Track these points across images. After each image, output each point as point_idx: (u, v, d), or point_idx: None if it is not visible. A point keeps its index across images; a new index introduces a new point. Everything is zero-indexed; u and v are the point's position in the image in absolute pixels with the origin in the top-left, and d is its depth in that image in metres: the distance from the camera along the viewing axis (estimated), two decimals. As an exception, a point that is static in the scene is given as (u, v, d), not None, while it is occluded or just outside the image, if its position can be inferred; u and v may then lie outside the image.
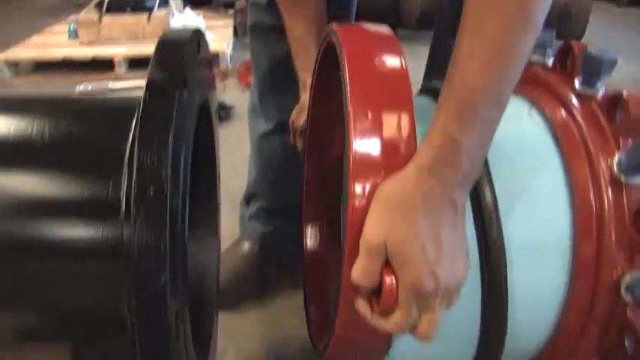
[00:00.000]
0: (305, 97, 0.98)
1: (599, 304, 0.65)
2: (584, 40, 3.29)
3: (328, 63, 0.81)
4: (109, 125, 0.74)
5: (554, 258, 0.66)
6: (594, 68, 0.68)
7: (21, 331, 0.73)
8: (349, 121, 0.59)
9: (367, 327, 0.58)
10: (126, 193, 0.65)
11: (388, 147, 0.59)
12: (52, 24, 3.19)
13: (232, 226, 1.34)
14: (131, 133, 0.69)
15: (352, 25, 0.73)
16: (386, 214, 0.56)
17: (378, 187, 0.57)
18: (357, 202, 0.57)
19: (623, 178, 0.64)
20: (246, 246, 1.27)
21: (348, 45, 0.65)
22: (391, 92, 0.62)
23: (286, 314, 1.19)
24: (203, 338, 0.87)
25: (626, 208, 0.64)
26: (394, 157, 0.58)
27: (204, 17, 3.16)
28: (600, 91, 0.69)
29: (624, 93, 0.65)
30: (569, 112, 0.70)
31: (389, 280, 0.56)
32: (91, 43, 2.69)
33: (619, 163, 0.64)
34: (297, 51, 0.97)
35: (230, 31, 3.16)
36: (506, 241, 0.63)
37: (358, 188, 0.57)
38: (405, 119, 0.59)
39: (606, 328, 0.66)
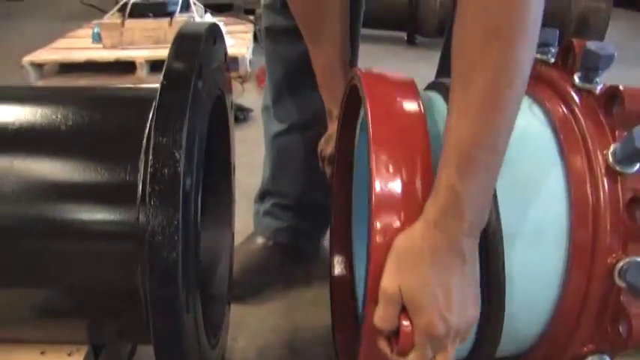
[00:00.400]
0: (332, 127, 1.03)
1: (595, 289, 0.67)
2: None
3: (353, 103, 0.88)
4: (128, 113, 0.78)
5: (551, 244, 0.68)
6: (592, 63, 0.70)
7: (44, 306, 0.77)
8: (371, 176, 0.64)
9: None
10: (142, 177, 0.70)
11: (406, 201, 0.64)
12: (76, 28, 3.27)
13: (247, 222, 1.38)
14: (149, 121, 0.73)
15: (375, 74, 0.78)
16: (398, 267, 0.62)
17: (393, 242, 0.62)
18: (376, 257, 0.63)
19: (617, 168, 0.66)
20: (259, 240, 1.31)
21: (370, 94, 0.71)
22: (411, 144, 0.67)
23: (297, 306, 1.22)
24: (214, 325, 0.90)
25: (620, 196, 0.66)
26: (411, 210, 0.63)
27: (224, 23, 3.21)
28: (599, 86, 0.72)
29: (620, 87, 0.68)
30: (569, 107, 0.72)
31: (405, 325, 0.62)
32: (113, 46, 2.75)
33: (614, 153, 0.66)
34: (323, 82, 0.99)
35: (250, 36, 3.21)
36: (505, 227, 0.66)
37: (379, 244, 0.63)
38: (423, 176, 0.64)
39: (602, 314, 0.68)
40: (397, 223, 0.63)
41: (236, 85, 2.48)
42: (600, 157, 0.67)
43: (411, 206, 0.63)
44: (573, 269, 0.68)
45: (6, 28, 4.23)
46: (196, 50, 0.71)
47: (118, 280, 0.73)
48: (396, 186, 0.64)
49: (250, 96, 2.58)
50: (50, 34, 3.17)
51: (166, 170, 0.61)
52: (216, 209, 1.05)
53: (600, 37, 3.23)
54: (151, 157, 0.62)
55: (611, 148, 0.67)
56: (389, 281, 0.62)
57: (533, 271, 0.69)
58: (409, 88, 0.74)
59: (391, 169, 0.64)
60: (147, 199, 0.61)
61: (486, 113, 0.59)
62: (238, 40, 3.00)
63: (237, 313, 1.17)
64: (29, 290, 0.76)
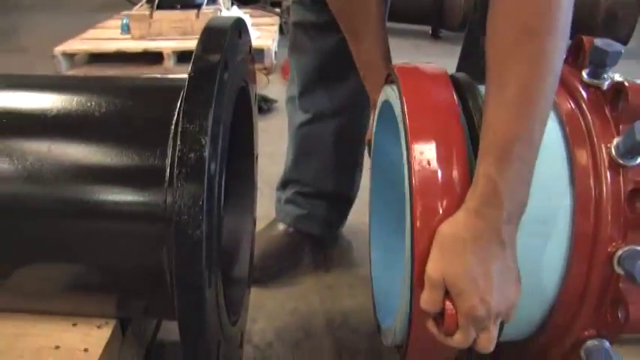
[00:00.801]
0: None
1: (595, 277, 0.71)
2: (632, 43, 3.27)
3: None
4: (157, 102, 0.83)
5: (554, 233, 0.71)
6: (600, 60, 0.73)
7: (76, 281, 0.82)
8: (411, 165, 0.69)
9: (434, 341, 0.70)
10: (170, 161, 0.74)
11: (444, 189, 0.68)
12: (106, 19, 3.35)
13: (269, 209, 1.44)
14: (177, 110, 0.78)
15: (409, 66, 0.82)
16: (442, 254, 0.66)
17: (437, 231, 0.67)
18: (420, 242, 0.68)
19: (620, 161, 0.69)
20: (280, 227, 1.35)
21: (405, 86, 0.75)
22: (446, 134, 0.71)
23: (315, 291, 1.27)
24: (235, 304, 0.95)
25: (622, 188, 0.69)
26: (450, 197, 0.68)
27: (251, 15, 3.27)
28: (606, 82, 0.75)
29: (626, 83, 0.71)
30: (576, 102, 0.75)
31: (449, 308, 0.66)
32: (142, 37, 2.82)
33: (617, 147, 0.69)
34: (366, 74, 1.02)
35: (275, 28, 3.26)
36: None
37: (420, 229, 0.67)
38: (458, 165, 0.69)
39: (601, 300, 0.71)
40: (437, 209, 0.67)
41: (261, 76, 2.53)
42: (604, 150, 0.70)
43: (449, 193, 0.68)
44: (575, 257, 0.71)
45: (38, 19, 4.34)
46: (222, 44, 0.75)
47: (145, 259, 0.78)
48: (433, 173, 0.68)
49: (275, 87, 2.62)
50: (81, 25, 3.25)
51: (193, 155, 0.66)
52: (239, 195, 1.10)
53: (629, 31, 3.21)
54: (179, 143, 0.66)
55: (615, 142, 0.70)
56: (434, 267, 0.66)
57: (536, 258, 0.72)
58: (442, 80, 0.78)
59: (429, 159, 0.69)
60: (174, 180, 0.65)
61: (521, 107, 0.64)
62: (264, 33, 3.05)
63: (257, 296, 1.22)
64: (64, 265, 0.81)
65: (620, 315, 0.69)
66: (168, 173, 0.74)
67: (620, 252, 0.68)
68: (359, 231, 1.43)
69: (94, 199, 0.77)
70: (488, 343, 0.67)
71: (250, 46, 0.99)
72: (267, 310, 1.20)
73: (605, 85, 0.74)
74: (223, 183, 0.75)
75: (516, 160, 0.64)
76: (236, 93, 0.85)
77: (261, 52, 2.84)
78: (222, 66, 0.73)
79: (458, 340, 0.67)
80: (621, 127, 0.70)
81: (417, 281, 0.68)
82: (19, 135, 0.79)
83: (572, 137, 0.73)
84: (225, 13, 2.94)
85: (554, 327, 0.76)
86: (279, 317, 1.18)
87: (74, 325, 0.86)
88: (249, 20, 3.05)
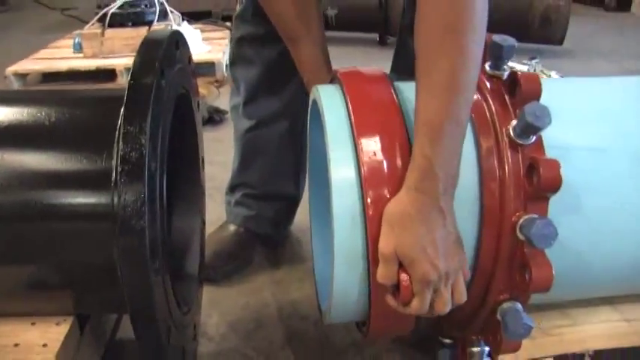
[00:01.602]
0: None
1: (504, 245, 0.79)
2: (566, 43, 3.44)
3: None
4: (103, 110, 0.89)
5: (465, 209, 0.79)
6: (498, 53, 0.82)
7: (31, 282, 0.87)
8: (359, 158, 0.78)
9: (393, 313, 0.78)
10: (115, 163, 0.81)
11: (390, 176, 0.77)
12: (58, 39, 3.37)
13: (222, 214, 1.50)
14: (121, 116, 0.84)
15: (351, 70, 0.92)
16: (391, 230, 0.75)
17: (385, 211, 0.75)
18: (372, 226, 0.76)
19: (518, 141, 0.78)
20: (231, 228, 1.42)
21: (348, 88, 0.85)
22: (388, 126, 0.80)
23: (266, 287, 1.34)
24: (185, 297, 1.00)
25: (520, 164, 0.78)
26: (395, 182, 0.76)
27: (201, 30, 3.33)
28: (506, 73, 0.84)
29: (519, 73, 0.80)
30: (481, 91, 0.84)
31: (404, 279, 0.74)
32: (94, 55, 2.85)
33: (514, 129, 0.78)
34: (309, 79, 1.08)
35: (226, 42, 3.32)
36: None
37: (372, 215, 0.76)
38: (401, 154, 0.78)
39: (511, 266, 0.80)
40: (385, 196, 0.76)
41: (212, 88, 2.59)
42: (505, 133, 0.79)
43: (394, 179, 0.76)
44: (485, 229, 0.80)
45: (-11, 40, 4.31)
46: (158, 54, 0.82)
47: (97, 255, 0.83)
48: (380, 165, 0.77)
49: (226, 99, 2.66)
50: (33, 44, 3.27)
51: (134, 153, 0.73)
52: (187, 197, 1.17)
53: (562, 33, 3.37)
54: (121, 143, 0.73)
55: (512, 124, 0.79)
56: (385, 243, 0.74)
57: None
58: (382, 80, 0.87)
59: (374, 152, 0.78)
60: (117, 177, 0.72)
61: (448, 92, 0.74)
62: (215, 46, 3.12)
63: (211, 294, 1.29)
64: (20, 267, 0.86)
65: (527, 278, 0.78)
66: (114, 176, 0.80)
67: (521, 220, 0.77)
68: (307, 229, 1.49)
69: (46, 203, 0.83)
70: (443, 305, 0.75)
71: (190, 57, 1.06)
72: (221, 306, 1.26)
73: (505, 75, 0.84)
74: (165, 180, 0.81)
75: (446, 137, 0.73)
76: (175, 99, 0.92)
77: (212, 65, 2.90)
78: (159, 73, 0.80)
79: (415, 306, 0.75)
80: (518, 111, 0.79)
81: (373, 261, 0.76)
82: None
83: (478, 123, 0.82)
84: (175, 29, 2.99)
85: (474, 295, 0.84)
86: (233, 311, 1.25)
87: (33, 324, 0.91)
88: (199, 35, 3.12)
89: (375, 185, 0.76)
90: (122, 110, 0.76)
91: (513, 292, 0.82)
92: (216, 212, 1.50)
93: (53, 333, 0.89)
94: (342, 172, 0.79)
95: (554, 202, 0.79)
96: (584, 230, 0.84)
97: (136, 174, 0.72)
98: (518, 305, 0.82)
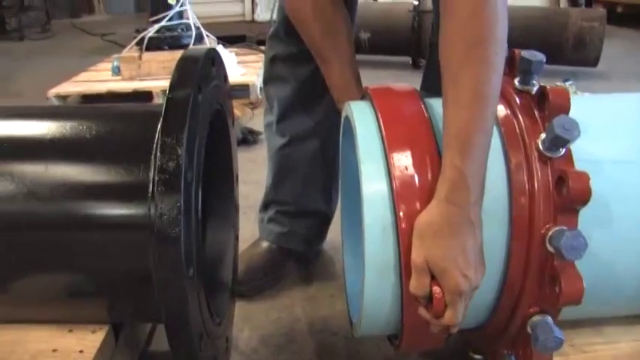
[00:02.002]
0: None
1: (534, 257, 0.79)
2: (601, 65, 3.41)
3: None
4: (142, 124, 0.93)
5: (495, 221, 0.80)
6: (527, 68, 0.84)
7: (70, 289, 0.90)
8: (391, 173, 0.80)
9: (425, 326, 0.79)
10: (153, 174, 0.83)
11: (422, 190, 0.79)
12: (97, 63, 3.48)
13: (255, 231, 1.53)
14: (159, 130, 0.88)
15: (381, 87, 0.95)
16: (422, 242, 0.76)
17: (416, 223, 0.77)
18: (404, 239, 0.78)
19: (547, 154, 0.79)
20: (264, 244, 1.44)
21: (379, 103, 0.88)
22: (419, 139, 0.83)
23: (297, 303, 1.35)
24: (218, 309, 1.02)
25: (550, 177, 0.78)
26: (426, 196, 0.78)
27: (236, 53, 3.40)
28: (535, 88, 0.85)
29: (548, 87, 0.81)
30: (510, 106, 0.85)
31: (437, 291, 0.75)
32: (131, 78, 2.94)
33: (543, 142, 0.79)
34: (339, 97, 1.10)
35: (260, 65, 3.38)
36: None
37: (404, 229, 0.78)
38: (432, 165, 0.80)
39: (541, 279, 0.80)
40: (417, 208, 0.78)
41: (246, 110, 2.64)
42: (534, 147, 0.80)
43: (425, 192, 0.78)
44: (515, 241, 0.80)
45: (36, 63, 4.48)
46: (195, 69, 0.86)
47: (134, 264, 0.86)
48: (411, 179, 0.79)
49: (260, 120, 2.72)
50: (73, 68, 3.38)
51: (171, 163, 0.75)
52: (220, 212, 1.19)
53: (597, 55, 3.34)
54: (158, 154, 0.76)
55: (541, 137, 0.79)
56: (417, 255, 0.76)
57: (482, 245, 0.81)
58: (412, 95, 0.89)
59: (405, 166, 0.80)
60: (154, 186, 0.74)
61: (475, 103, 0.76)
62: (249, 69, 3.18)
63: (243, 309, 1.30)
64: (60, 274, 0.89)
65: (557, 290, 0.78)
66: (151, 185, 0.83)
67: (550, 232, 0.77)
68: (339, 246, 1.51)
69: (86, 213, 0.86)
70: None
71: (225, 75, 1.09)
72: (253, 321, 1.27)
73: (534, 90, 0.85)
74: (200, 192, 0.84)
75: (475, 148, 0.75)
76: (211, 114, 0.95)
77: (246, 87, 2.96)
78: (196, 88, 0.83)
79: (449, 317, 0.75)
80: (547, 125, 0.80)
81: (406, 273, 0.78)
82: (19, 157, 0.89)
83: (507, 137, 0.83)
84: (211, 52, 3.06)
85: (504, 308, 0.85)
86: (264, 326, 1.26)
87: (70, 331, 0.94)
88: (234, 58, 3.19)
89: (406, 198, 0.78)
90: (160, 122, 0.79)
91: (543, 305, 0.82)
92: (250, 230, 1.53)
93: (89, 340, 0.92)
94: (373, 185, 0.80)
95: (585, 214, 0.79)
96: (615, 243, 0.83)
97: (172, 183, 0.74)
98: (549, 318, 0.81)
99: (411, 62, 3.78)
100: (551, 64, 3.47)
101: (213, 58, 0.97)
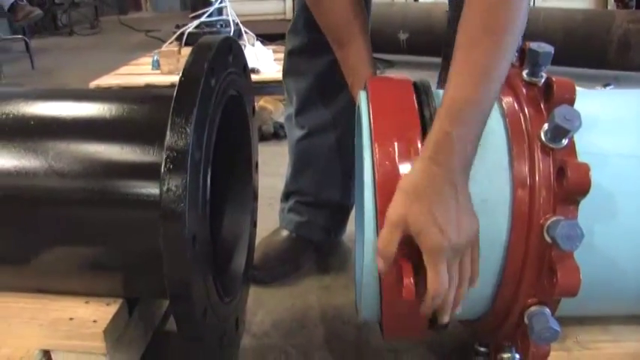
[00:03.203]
0: None
1: (532, 248, 0.80)
2: (645, 71, 3.32)
3: None
4: (159, 106, 0.96)
5: (496, 210, 0.81)
6: (535, 59, 0.84)
7: (87, 263, 0.95)
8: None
9: (404, 306, 0.78)
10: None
11: (400, 146, 0.81)
12: (138, 57, 3.58)
13: (276, 220, 1.57)
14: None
15: (381, 76, 0.98)
16: (403, 200, 0.76)
17: (398, 182, 0.78)
18: (382, 193, 0.79)
19: (549, 145, 0.79)
20: (283, 233, 1.47)
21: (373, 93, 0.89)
22: (404, 121, 0.84)
23: (312, 291, 1.37)
24: (228, 289, 1.05)
25: (551, 167, 0.79)
26: (405, 152, 0.81)
27: (274, 51, 3.44)
28: (542, 80, 0.85)
29: (553, 78, 0.81)
30: (517, 97, 0.86)
31: (404, 263, 0.76)
32: (170, 72, 3.00)
33: (545, 133, 0.79)
34: (353, 81, 1.10)
35: (297, 62, 3.42)
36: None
37: (381, 181, 0.80)
38: (412, 130, 0.83)
39: (540, 269, 0.80)
40: (395, 162, 0.80)
41: (279, 104, 2.68)
42: (537, 137, 0.80)
43: (405, 150, 0.80)
44: (515, 231, 0.80)
45: (82, 57, 4.65)
46: (209, 55, 0.89)
47: (146, 241, 0.89)
48: (393, 168, 0.80)
49: (293, 116, 2.77)
50: (118, 62, 3.49)
51: (180, 142, 0.78)
52: (237, 197, 1.22)
53: (642, 59, 3.26)
54: (168, 132, 0.79)
55: (544, 128, 0.80)
56: (394, 210, 0.76)
57: (482, 235, 0.81)
58: (405, 85, 0.92)
59: (389, 155, 0.81)
60: (164, 163, 0.78)
61: (478, 80, 0.77)
62: (285, 66, 3.21)
63: (258, 295, 1.34)
64: (78, 249, 0.94)
65: (554, 281, 0.78)
66: (163, 167, 0.86)
67: (548, 222, 0.77)
68: (358, 238, 1.53)
69: (104, 190, 0.90)
70: (464, 280, 0.77)
71: (245, 64, 1.12)
72: (267, 306, 1.30)
73: (541, 82, 0.85)
74: (210, 171, 0.87)
75: (467, 117, 0.76)
76: (226, 99, 0.98)
77: (281, 83, 2.99)
78: (208, 72, 0.86)
79: (430, 282, 0.74)
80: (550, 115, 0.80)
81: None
82: (43, 135, 0.93)
83: (512, 127, 0.83)
84: (248, 48, 3.11)
85: (503, 299, 0.85)
86: (277, 311, 1.29)
87: (86, 302, 0.98)
88: (271, 55, 3.23)
89: (387, 188, 0.79)
90: (172, 103, 0.83)
91: (541, 296, 0.82)
92: (274, 220, 1.56)
93: (103, 312, 0.96)
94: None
95: (590, 208, 0.79)
96: (619, 237, 0.83)
97: (180, 161, 0.77)
98: (546, 310, 0.82)
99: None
100: (594, 68, 3.41)
101: (231, 46, 1.00)
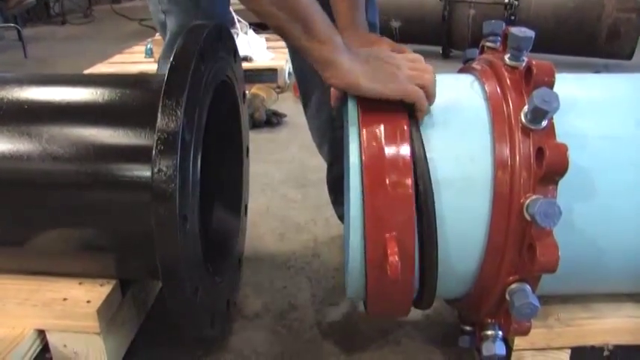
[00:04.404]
0: None
1: (513, 226, 0.82)
2: (636, 58, 3.35)
3: None
4: (152, 90, 0.97)
5: (478, 190, 0.83)
6: (516, 44, 0.86)
7: (81, 245, 0.97)
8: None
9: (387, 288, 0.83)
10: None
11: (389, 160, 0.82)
12: (132, 46, 3.58)
13: (269, 205, 1.59)
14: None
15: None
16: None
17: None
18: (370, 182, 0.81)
19: (529, 126, 0.81)
20: None
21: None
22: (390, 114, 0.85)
23: (303, 274, 1.40)
24: (220, 268, 1.07)
25: (531, 148, 0.81)
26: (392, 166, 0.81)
27: (267, 39, 3.45)
28: (523, 64, 0.87)
29: (533, 61, 0.83)
30: (499, 81, 0.88)
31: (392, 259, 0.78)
32: (164, 60, 3.01)
33: (525, 115, 0.81)
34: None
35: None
36: (439, 176, 0.82)
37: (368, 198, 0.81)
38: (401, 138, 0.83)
39: (520, 247, 0.83)
40: (384, 179, 0.81)
41: (272, 92, 2.70)
42: (518, 119, 0.83)
43: (392, 133, 0.82)
44: (496, 210, 0.83)
45: (75, 46, 4.64)
46: (199, 39, 0.90)
47: (138, 223, 0.91)
48: (380, 151, 0.82)
49: (286, 103, 2.79)
50: (111, 51, 3.49)
51: (170, 124, 0.80)
52: (229, 183, 1.25)
53: (632, 47, 3.28)
54: (159, 115, 0.81)
55: (525, 110, 0.82)
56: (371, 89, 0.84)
57: (463, 214, 0.84)
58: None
59: (375, 139, 0.82)
60: (155, 144, 0.80)
61: None
62: (278, 54, 3.23)
63: (251, 278, 1.37)
64: (72, 230, 0.96)
65: (534, 257, 0.80)
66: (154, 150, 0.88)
67: (528, 200, 0.79)
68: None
69: (97, 172, 0.92)
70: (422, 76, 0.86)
71: (235, 50, 1.14)
72: (259, 288, 1.33)
73: (523, 66, 0.87)
74: (200, 153, 0.89)
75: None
76: (216, 84, 0.99)
77: (274, 71, 3.01)
78: (198, 57, 0.88)
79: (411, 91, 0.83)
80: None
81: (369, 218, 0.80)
82: (37, 119, 0.95)
83: (494, 110, 0.85)
84: (241, 36, 3.12)
85: (486, 276, 0.87)
86: (269, 294, 1.31)
87: (80, 283, 1.01)
88: (264, 43, 3.24)
89: (373, 169, 0.81)
90: (163, 86, 0.85)
91: (522, 273, 0.84)
92: (265, 204, 1.59)
93: (97, 292, 0.98)
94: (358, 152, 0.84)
95: (569, 188, 0.82)
96: (598, 216, 0.85)
97: (170, 142, 0.80)
98: (527, 286, 0.84)
99: (441, 52, 3.78)
100: (584, 56, 3.44)
101: (220, 32, 1.02)
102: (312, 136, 1.47)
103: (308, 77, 1.34)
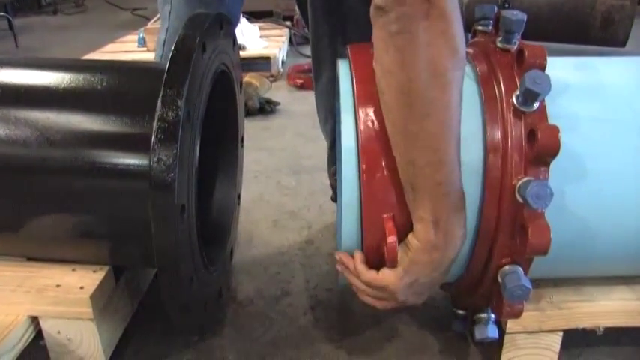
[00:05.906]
0: None
1: (504, 209, 0.82)
2: (629, 45, 3.35)
3: None
4: (150, 78, 0.97)
5: (470, 172, 0.83)
6: (507, 27, 0.86)
7: (74, 231, 0.96)
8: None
9: None
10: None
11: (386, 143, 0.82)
12: (125, 35, 3.56)
13: (263, 192, 1.59)
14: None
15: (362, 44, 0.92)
16: (402, 274, 0.84)
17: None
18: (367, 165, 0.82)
19: (521, 108, 0.81)
20: None
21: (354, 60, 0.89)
22: None
23: (296, 260, 1.40)
24: (213, 258, 1.07)
25: (522, 130, 0.81)
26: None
27: (260, 27, 3.44)
28: (515, 47, 0.87)
29: (525, 43, 0.83)
30: (491, 64, 0.88)
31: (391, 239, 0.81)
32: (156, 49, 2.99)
33: (517, 97, 0.82)
34: None
35: (284, 39, 3.44)
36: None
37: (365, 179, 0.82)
38: None
39: (512, 230, 0.83)
40: (380, 162, 0.82)
41: (265, 80, 2.69)
42: (510, 102, 0.83)
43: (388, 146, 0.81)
44: (488, 192, 0.83)
45: (67, 36, 4.60)
46: (202, 28, 0.90)
47: (135, 211, 0.91)
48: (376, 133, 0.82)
49: (279, 92, 2.78)
50: (103, 41, 3.47)
51: (171, 113, 0.80)
52: (223, 171, 1.25)
53: (625, 35, 3.28)
54: (159, 104, 0.80)
55: (516, 92, 0.82)
56: (387, 278, 0.84)
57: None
58: None
59: (372, 122, 0.83)
60: (155, 134, 0.79)
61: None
62: (272, 43, 3.22)
63: (244, 264, 1.37)
64: (66, 217, 0.95)
65: (526, 239, 0.81)
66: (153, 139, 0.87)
67: (519, 182, 0.80)
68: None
69: (94, 160, 0.91)
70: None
71: (234, 40, 1.14)
72: (252, 274, 1.33)
73: (514, 49, 0.87)
74: (198, 143, 0.88)
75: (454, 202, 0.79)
76: (215, 74, 0.99)
77: (268, 59, 3.00)
78: (200, 46, 0.88)
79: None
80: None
81: (365, 196, 0.81)
82: (34, 104, 0.94)
83: (486, 93, 0.85)
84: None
85: (478, 259, 0.88)
86: (262, 279, 1.31)
87: (74, 270, 1.01)
88: (257, 31, 3.23)
89: (370, 152, 0.82)
90: (164, 75, 0.84)
91: (514, 255, 0.85)
92: (259, 192, 1.59)
93: (90, 278, 0.98)
94: (352, 136, 0.84)
95: (561, 170, 0.82)
96: (590, 199, 0.85)
97: (170, 132, 0.79)
98: (519, 268, 0.85)
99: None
100: (577, 44, 3.43)
101: (222, 21, 1.01)
102: (317, 112, 1.47)
103: (322, 54, 1.34)
